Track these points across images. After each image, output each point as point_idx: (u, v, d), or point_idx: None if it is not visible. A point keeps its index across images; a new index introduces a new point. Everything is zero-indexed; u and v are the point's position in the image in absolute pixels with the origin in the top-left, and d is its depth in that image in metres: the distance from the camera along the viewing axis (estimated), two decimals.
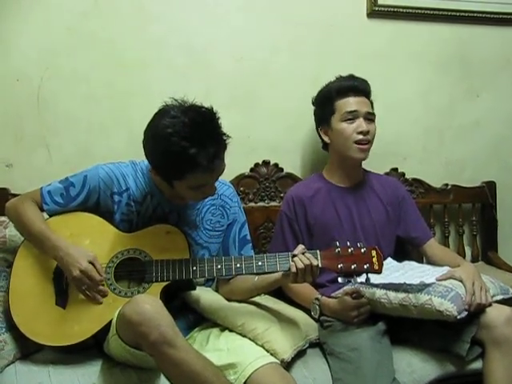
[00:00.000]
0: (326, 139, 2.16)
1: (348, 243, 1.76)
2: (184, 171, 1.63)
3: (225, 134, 1.67)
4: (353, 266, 1.72)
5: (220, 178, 1.76)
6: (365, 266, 1.73)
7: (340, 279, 1.74)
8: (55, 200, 1.81)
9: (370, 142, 2.09)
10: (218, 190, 1.86)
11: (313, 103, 2.23)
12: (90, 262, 1.69)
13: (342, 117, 2.07)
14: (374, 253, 1.75)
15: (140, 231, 1.80)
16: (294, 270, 1.68)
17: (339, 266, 1.72)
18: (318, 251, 1.75)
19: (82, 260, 1.68)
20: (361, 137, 2.06)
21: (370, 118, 2.10)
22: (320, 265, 1.73)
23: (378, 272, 1.75)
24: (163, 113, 1.66)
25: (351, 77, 2.15)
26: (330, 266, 1.74)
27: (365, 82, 2.13)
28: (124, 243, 1.78)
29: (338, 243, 1.76)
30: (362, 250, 1.75)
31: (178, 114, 1.62)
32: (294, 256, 1.72)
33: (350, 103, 2.08)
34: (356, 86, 2.10)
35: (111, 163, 1.85)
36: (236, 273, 1.74)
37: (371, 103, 2.14)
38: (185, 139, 1.58)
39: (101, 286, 1.70)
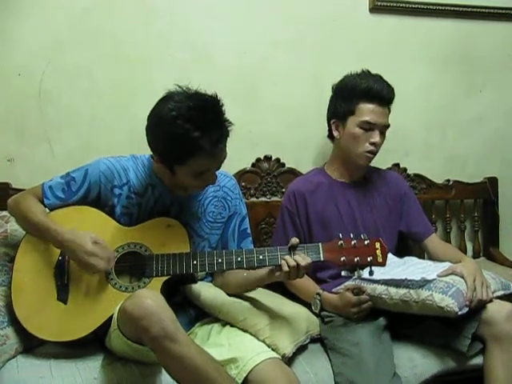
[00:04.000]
0: (335, 134, 2.13)
1: (351, 235, 1.74)
2: (187, 155, 1.63)
3: (228, 120, 1.68)
4: (356, 259, 1.69)
5: (222, 170, 1.76)
6: (368, 259, 1.70)
7: (343, 272, 1.73)
8: (56, 195, 1.81)
9: (377, 152, 2.08)
10: (220, 182, 1.88)
11: (333, 90, 2.16)
12: (94, 242, 1.68)
13: (359, 123, 2.03)
14: (377, 245, 1.72)
15: (140, 225, 1.81)
16: (285, 268, 1.67)
17: (342, 259, 1.70)
18: (319, 244, 1.73)
19: (86, 242, 1.67)
20: (371, 148, 2.04)
21: (384, 130, 2.07)
22: (322, 258, 1.71)
23: (382, 264, 1.72)
24: (167, 98, 1.67)
25: (380, 80, 2.07)
26: (332, 259, 1.71)
27: (392, 90, 2.07)
28: (124, 237, 1.78)
29: (340, 235, 1.73)
30: (366, 242, 1.72)
31: (182, 99, 1.63)
32: (292, 248, 1.70)
33: (373, 113, 2.02)
34: (384, 95, 2.03)
35: (112, 157, 1.85)
36: (237, 266, 1.74)
37: (389, 111, 2.10)
38: (189, 122, 1.59)
39: (110, 262, 1.69)
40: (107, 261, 1.68)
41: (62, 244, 1.70)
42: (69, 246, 1.69)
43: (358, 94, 2.04)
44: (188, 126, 1.59)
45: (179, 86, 1.69)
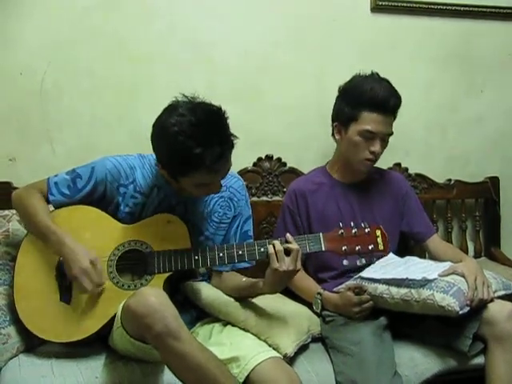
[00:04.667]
0: (336, 136, 2.11)
1: (352, 224, 1.74)
2: (189, 169, 1.63)
3: (232, 134, 1.65)
4: (357, 248, 1.70)
5: (230, 171, 1.76)
6: (369, 247, 1.70)
7: (345, 262, 1.72)
8: (62, 191, 1.81)
9: (377, 160, 2.07)
10: (227, 182, 1.87)
11: (339, 90, 2.13)
12: (92, 263, 1.68)
13: (360, 131, 2.00)
14: (378, 232, 1.72)
15: (140, 222, 1.80)
16: (271, 250, 1.66)
17: (343, 248, 1.70)
18: (320, 234, 1.74)
19: (84, 259, 1.67)
20: (371, 156, 2.03)
21: (386, 138, 2.05)
22: (323, 248, 1.72)
23: (384, 251, 1.73)
24: (171, 109, 1.65)
25: (388, 87, 2.03)
26: (333, 249, 1.71)
27: (398, 98, 2.04)
28: (125, 235, 1.78)
29: (341, 224, 1.73)
30: (366, 230, 1.72)
31: (185, 112, 1.61)
32: (287, 242, 1.70)
33: (375, 122, 1.99)
34: (389, 105, 2.00)
35: (119, 155, 1.85)
36: (238, 260, 1.74)
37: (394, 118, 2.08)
38: (190, 138, 1.57)
39: (98, 287, 1.69)
40: (96, 286, 1.68)
41: (61, 251, 1.70)
42: (67, 255, 1.68)
43: (363, 102, 2.00)
44: (190, 143, 1.57)
45: (184, 96, 1.67)
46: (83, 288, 1.67)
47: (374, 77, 2.07)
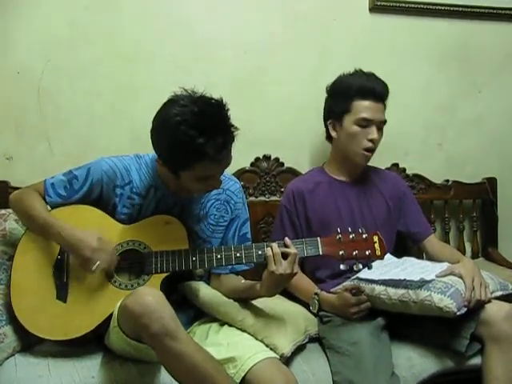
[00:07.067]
0: (333, 134, 2.13)
1: (349, 229, 1.75)
2: (191, 161, 1.62)
3: (233, 125, 1.66)
4: (354, 253, 1.71)
5: (225, 173, 1.76)
6: (366, 253, 1.71)
7: (342, 266, 1.72)
8: (58, 193, 1.81)
9: (375, 149, 2.09)
10: (223, 185, 1.86)
11: (327, 91, 2.18)
12: (98, 240, 1.68)
13: (356, 120, 2.04)
14: (375, 238, 1.74)
15: (139, 222, 1.80)
16: (269, 253, 1.67)
17: (340, 253, 1.71)
18: (318, 238, 1.74)
19: (91, 239, 1.67)
20: (370, 145, 2.05)
21: (381, 126, 2.08)
22: (321, 252, 1.72)
23: (381, 258, 1.74)
24: (172, 102, 1.65)
25: (373, 77, 2.09)
26: (330, 253, 1.72)
27: (385, 86, 2.09)
28: (123, 235, 1.78)
29: (339, 229, 1.74)
30: (364, 236, 1.73)
31: (187, 104, 1.61)
32: (286, 246, 1.70)
33: (369, 109, 2.03)
34: (378, 92, 2.05)
35: (115, 156, 1.84)
36: (236, 262, 1.74)
37: (385, 107, 2.11)
38: (193, 128, 1.57)
39: (113, 263, 1.71)
40: (110, 260, 1.69)
41: (66, 240, 1.69)
42: (71, 240, 1.68)
43: (353, 92, 2.05)
44: (192, 133, 1.57)
45: (184, 90, 1.67)
46: (100, 265, 1.66)
47: (358, 72, 2.13)
